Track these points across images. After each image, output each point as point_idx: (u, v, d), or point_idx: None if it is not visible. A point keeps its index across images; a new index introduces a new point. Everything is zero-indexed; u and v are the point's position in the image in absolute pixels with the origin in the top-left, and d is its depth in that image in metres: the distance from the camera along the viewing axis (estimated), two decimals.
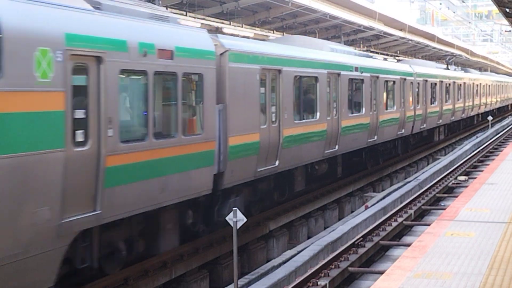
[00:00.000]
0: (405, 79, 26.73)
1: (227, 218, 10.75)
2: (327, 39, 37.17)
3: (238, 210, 10.70)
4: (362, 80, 21.71)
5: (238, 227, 10.68)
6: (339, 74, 19.52)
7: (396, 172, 27.40)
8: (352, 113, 20.84)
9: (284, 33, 31.75)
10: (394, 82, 25.30)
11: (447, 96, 35.17)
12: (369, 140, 22.50)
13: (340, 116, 19.58)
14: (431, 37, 49.19)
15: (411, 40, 44.61)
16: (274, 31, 31.03)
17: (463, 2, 59.79)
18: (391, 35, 40.78)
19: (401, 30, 41.91)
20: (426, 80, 30.47)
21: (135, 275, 11.69)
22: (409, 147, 30.37)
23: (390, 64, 27.03)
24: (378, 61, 25.58)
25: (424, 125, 30.45)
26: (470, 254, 8.78)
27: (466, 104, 40.81)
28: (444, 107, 34.41)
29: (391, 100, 25.32)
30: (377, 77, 23.19)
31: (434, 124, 32.85)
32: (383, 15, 36.79)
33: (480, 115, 50.29)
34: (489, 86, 51.26)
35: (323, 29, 35.08)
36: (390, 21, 38.82)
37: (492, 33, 74.32)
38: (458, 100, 38.06)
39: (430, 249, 9.05)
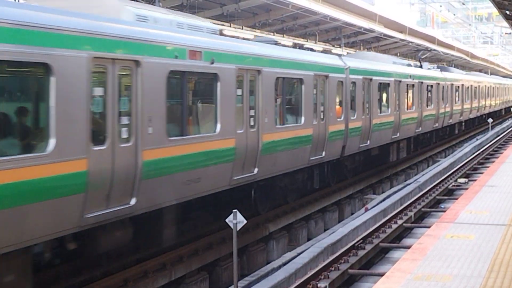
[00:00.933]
0: (326, 76, 18.36)
1: (227, 220, 10.74)
2: (327, 41, 37.33)
3: (237, 212, 10.70)
4: (215, 75, 12.98)
5: (238, 229, 10.68)
6: (137, 62, 10.55)
7: (396, 174, 27.40)
8: (189, 134, 12.12)
9: (284, 35, 31.82)
10: (301, 80, 16.84)
11: (408, 100, 26.88)
12: (238, 177, 13.80)
13: (141, 142, 10.54)
14: (431, 39, 49.29)
15: (411, 42, 44.68)
16: (275, 33, 31.08)
17: (464, 4, 59.91)
18: (391, 37, 40.87)
19: (401, 32, 42.02)
20: (371, 79, 22.19)
21: (135, 276, 11.68)
22: (346, 174, 22.12)
23: (294, 52, 17.55)
24: (269, 48, 16.06)
25: (368, 142, 21.95)
26: (470, 257, 8.78)
27: (441, 110, 32.88)
28: (404, 116, 25.95)
29: (296, 109, 16.93)
30: (258, 71, 14.66)
31: (388, 139, 24.29)
32: (383, 17, 36.89)
33: (463, 123, 41.53)
34: (476, 88, 43.64)
35: (323, 31, 35.15)
36: (390, 23, 38.91)
37: (492, 35, 74.54)
38: (428, 106, 30.14)
39: (430, 252, 9.04)
